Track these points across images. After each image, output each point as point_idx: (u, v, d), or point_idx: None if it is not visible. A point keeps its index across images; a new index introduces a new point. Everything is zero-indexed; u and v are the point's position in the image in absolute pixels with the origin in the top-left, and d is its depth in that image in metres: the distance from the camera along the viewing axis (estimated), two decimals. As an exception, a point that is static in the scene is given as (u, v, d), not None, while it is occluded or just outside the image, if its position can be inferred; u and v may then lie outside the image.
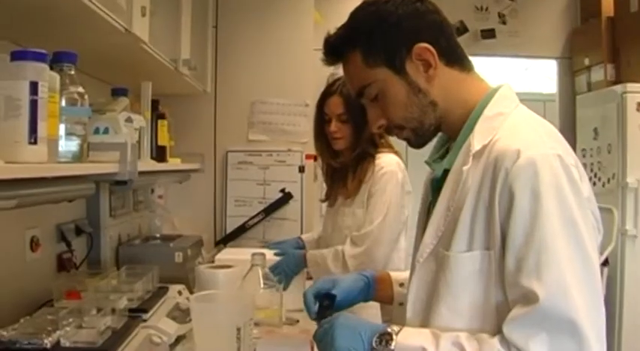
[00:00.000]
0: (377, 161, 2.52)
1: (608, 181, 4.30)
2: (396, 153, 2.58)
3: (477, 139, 1.30)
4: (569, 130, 4.84)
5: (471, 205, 1.26)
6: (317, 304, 1.58)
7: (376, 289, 1.71)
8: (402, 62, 1.36)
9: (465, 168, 1.29)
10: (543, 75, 5.91)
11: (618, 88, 4.27)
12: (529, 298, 1.15)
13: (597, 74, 4.73)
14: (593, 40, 4.75)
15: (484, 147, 1.28)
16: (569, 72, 5.15)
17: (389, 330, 1.29)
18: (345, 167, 2.60)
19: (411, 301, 1.39)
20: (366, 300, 1.72)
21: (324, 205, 2.78)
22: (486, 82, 1.44)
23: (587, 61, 4.86)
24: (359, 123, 2.44)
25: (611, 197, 4.18)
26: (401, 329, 1.30)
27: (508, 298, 1.21)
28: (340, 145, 2.56)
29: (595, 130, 4.52)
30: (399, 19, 1.35)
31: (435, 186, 1.43)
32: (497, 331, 1.20)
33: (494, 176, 1.22)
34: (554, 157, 1.20)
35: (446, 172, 1.37)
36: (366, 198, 2.50)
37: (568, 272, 1.14)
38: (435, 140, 1.50)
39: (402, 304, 1.71)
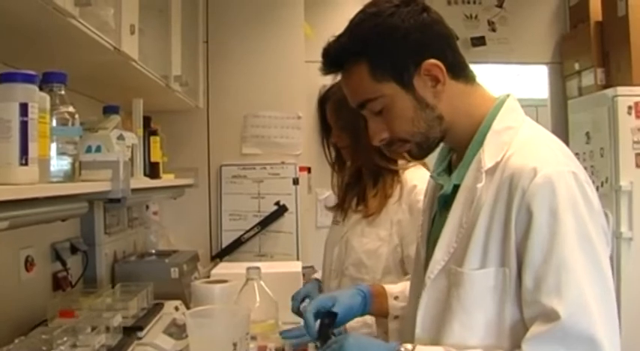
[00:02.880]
0: (406, 177, 2.13)
1: (602, 184, 4.31)
2: (425, 165, 2.17)
3: (487, 155, 1.29)
4: (562, 135, 4.83)
5: (485, 223, 1.25)
6: (317, 323, 1.56)
7: (372, 302, 1.71)
8: (410, 78, 1.32)
9: (478, 185, 1.28)
10: (534, 80, 5.93)
11: (609, 92, 4.29)
12: (550, 316, 1.15)
13: (588, 79, 4.75)
14: (582, 45, 4.77)
15: (497, 164, 1.27)
16: (560, 77, 5.17)
17: (402, 349, 1.29)
18: (360, 180, 2.23)
19: (421, 317, 1.37)
20: (362, 314, 1.72)
21: (320, 217, 2.56)
22: (490, 92, 1.42)
23: (577, 66, 4.88)
24: (355, 129, 2.10)
25: (605, 200, 4.18)
26: (414, 348, 1.29)
27: (525, 315, 1.20)
28: (347, 155, 2.22)
29: (587, 134, 4.54)
30: (406, 33, 1.31)
31: (443, 200, 1.41)
32: (511, 348, 1.20)
33: (510, 194, 1.22)
34: (569, 174, 1.21)
35: (455, 187, 1.36)
36: (396, 220, 2.09)
37: (587, 289, 1.15)
38: (437, 151, 1.49)
39: (397, 317, 1.71)
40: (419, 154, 1.42)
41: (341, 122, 2.16)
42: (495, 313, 1.24)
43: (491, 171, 1.28)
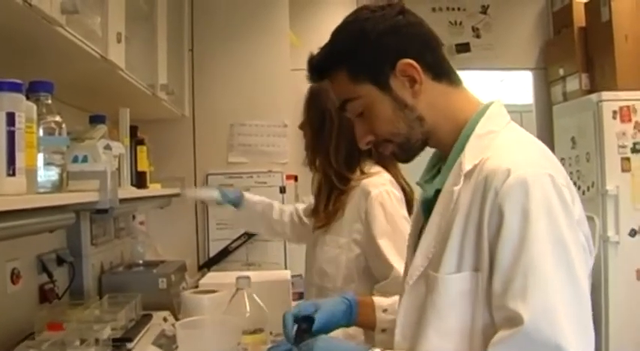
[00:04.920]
0: (363, 185, 2.08)
1: (588, 189, 4.34)
2: (390, 171, 2.16)
3: (467, 159, 1.27)
4: (547, 140, 4.86)
5: (461, 226, 1.23)
6: (295, 327, 1.54)
7: (359, 313, 1.67)
8: (386, 79, 1.33)
9: (455, 188, 1.26)
10: (518, 86, 5.96)
11: (594, 96, 4.32)
12: (514, 321, 1.11)
13: (572, 84, 4.78)
14: (566, 51, 4.81)
15: (475, 166, 1.26)
16: (545, 83, 5.21)
17: None
18: (320, 189, 2.23)
19: (400, 324, 1.36)
20: (348, 324, 1.68)
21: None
22: (476, 97, 1.41)
23: (561, 72, 4.91)
24: (317, 127, 2.17)
25: (592, 205, 4.21)
26: None
27: (495, 320, 1.17)
28: (307, 154, 2.26)
29: (572, 139, 4.57)
30: (380, 35, 1.33)
31: (427, 207, 1.39)
32: None
33: (484, 196, 1.19)
34: (545, 176, 1.18)
35: (437, 192, 1.34)
36: (356, 228, 2.07)
37: (555, 295, 1.11)
38: (426, 159, 1.48)
39: (384, 330, 1.67)
40: (402, 156, 1.43)
41: (309, 114, 2.21)
42: (469, 318, 1.22)
43: (469, 174, 1.26)
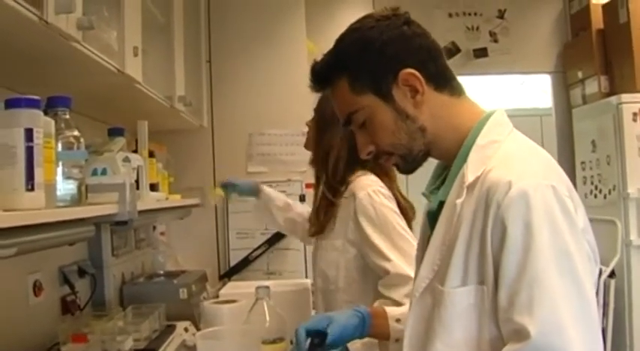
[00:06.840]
0: (350, 188, 2.12)
1: (609, 192, 4.29)
2: (377, 174, 2.15)
3: (470, 170, 1.27)
4: (567, 144, 4.84)
5: (465, 239, 1.23)
6: (308, 341, 1.55)
7: (372, 324, 1.67)
8: (388, 88, 1.33)
9: (458, 201, 1.26)
10: (539, 89, 5.91)
11: (613, 99, 4.27)
12: (521, 334, 1.11)
13: (591, 87, 4.73)
14: (585, 53, 4.76)
15: (477, 178, 1.25)
16: (564, 86, 5.16)
17: None
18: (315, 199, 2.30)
19: (408, 336, 1.36)
20: (361, 336, 1.68)
21: None
22: (478, 106, 1.41)
23: (580, 75, 4.87)
24: (321, 119, 2.22)
25: (614, 209, 4.17)
26: None
27: (502, 333, 1.17)
28: (309, 146, 2.36)
29: (593, 142, 4.52)
30: (384, 44, 1.33)
31: (432, 218, 1.39)
32: None
33: (487, 209, 1.19)
34: (547, 187, 1.17)
35: (442, 203, 1.34)
36: (350, 229, 2.09)
37: (562, 307, 1.10)
38: (431, 169, 1.47)
39: (398, 340, 1.66)
40: (405, 168, 1.42)
41: (319, 111, 2.23)
42: (476, 332, 1.22)
43: (472, 186, 1.25)
